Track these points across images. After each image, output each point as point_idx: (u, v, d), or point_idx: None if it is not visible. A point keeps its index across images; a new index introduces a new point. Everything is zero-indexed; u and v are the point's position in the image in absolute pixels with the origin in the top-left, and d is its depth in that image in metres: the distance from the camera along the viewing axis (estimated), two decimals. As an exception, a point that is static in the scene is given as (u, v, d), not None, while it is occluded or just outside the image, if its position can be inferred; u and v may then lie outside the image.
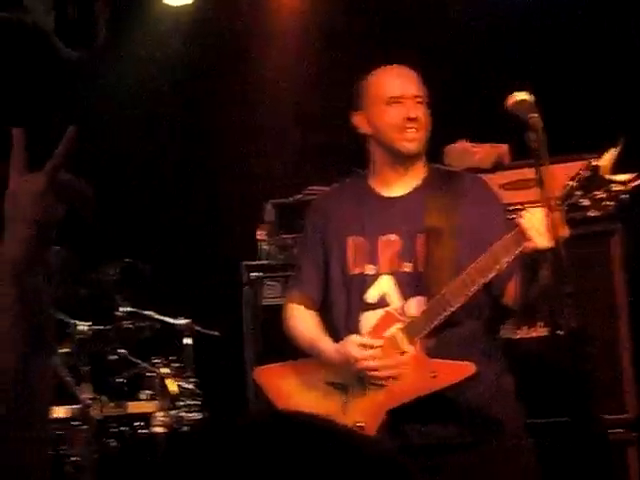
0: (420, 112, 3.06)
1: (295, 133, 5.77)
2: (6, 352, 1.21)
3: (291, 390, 3.14)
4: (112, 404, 4.22)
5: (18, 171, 1.34)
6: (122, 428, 4.25)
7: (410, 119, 3.03)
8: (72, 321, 4.20)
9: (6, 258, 1.26)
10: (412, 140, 3.03)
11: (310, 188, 4.37)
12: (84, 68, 4.93)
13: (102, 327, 4.36)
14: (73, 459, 4.00)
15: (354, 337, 2.99)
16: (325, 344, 3.08)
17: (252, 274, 4.45)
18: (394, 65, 3.18)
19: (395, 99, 3.05)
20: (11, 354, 1.21)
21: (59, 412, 4.04)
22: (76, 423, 4.05)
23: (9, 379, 1.19)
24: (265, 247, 4.56)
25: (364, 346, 2.95)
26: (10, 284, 1.24)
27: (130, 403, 4.33)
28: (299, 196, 4.48)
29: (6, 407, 1.19)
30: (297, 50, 5.75)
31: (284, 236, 4.50)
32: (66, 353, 4.17)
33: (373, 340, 2.96)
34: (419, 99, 3.08)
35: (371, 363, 2.94)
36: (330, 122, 5.10)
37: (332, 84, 5.22)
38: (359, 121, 3.14)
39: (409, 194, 3.11)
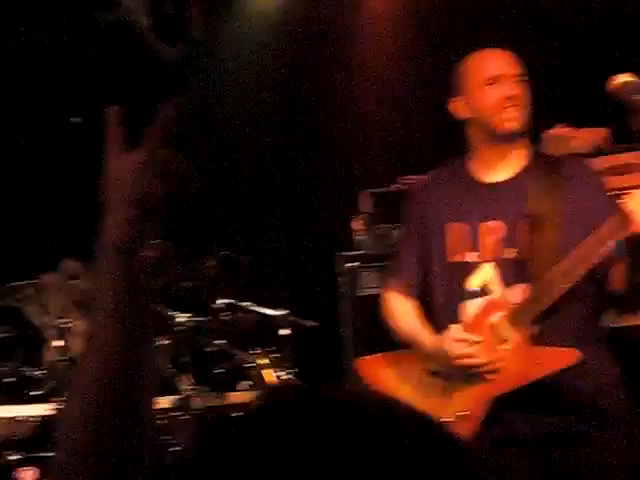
0: (520, 90, 3.01)
1: (391, 123, 5.75)
2: (111, 339, 1.20)
3: (391, 380, 3.11)
4: (212, 394, 4.28)
5: (116, 150, 1.32)
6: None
7: (510, 98, 2.98)
8: (172, 313, 4.26)
9: (112, 240, 1.24)
10: (512, 119, 2.98)
11: (406, 177, 4.36)
12: (181, 65, 5.00)
13: (201, 319, 4.41)
14: (174, 449, 4.06)
15: (453, 331, 2.94)
16: (424, 337, 3.04)
17: (348, 264, 4.45)
18: (491, 48, 3.13)
19: (494, 79, 3.00)
20: (118, 339, 1.19)
21: (161, 402, 4.11)
22: (177, 413, 4.11)
23: (118, 364, 1.18)
24: (361, 237, 4.56)
25: (463, 342, 2.91)
26: (116, 267, 1.23)
27: (229, 394, 4.39)
28: (395, 185, 4.47)
29: (115, 393, 1.19)
30: (396, 40, 5.73)
31: (380, 226, 4.50)
32: (167, 344, 4.23)
33: (472, 336, 2.91)
34: (518, 78, 3.03)
35: (471, 361, 2.90)
36: (427, 112, 5.07)
37: (429, 75, 5.19)
38: (458, 106, 3.10)
39: (512, 179, 3.05)
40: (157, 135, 1.30)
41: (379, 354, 3.24)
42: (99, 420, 1.16)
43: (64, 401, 1.24)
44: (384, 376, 3.14)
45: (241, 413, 0.85)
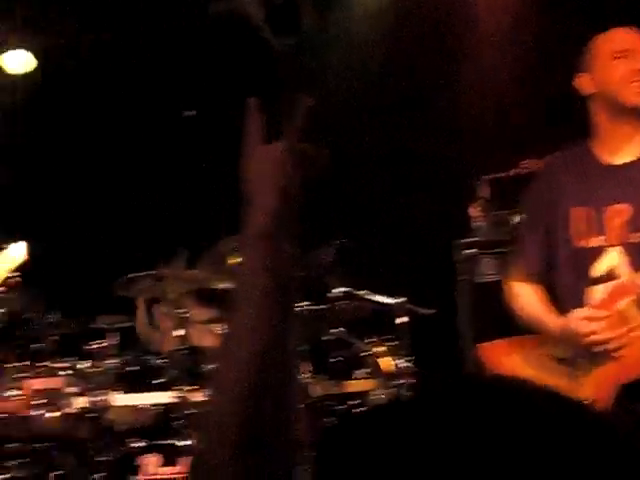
0: None
1: (509, 107, 5.66)
2: (257, 330, 1.19)
3: (516, 366, 3.06)
4: (331, 383, 4.29)
5: (257, 142, 1.34)
6: (337, 407, 4.31)
7: (637, 71, 2.90)
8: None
9: (258, 230, 1.25)
10: (639, 93, 2.91)
11: (525, 162, 4.28)
12: (294, 57, 5.03)
13: (318, 307, 4.42)
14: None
15: (579, 311, 2.89)
16: (550, 320, 2.99)
17: (466, 251, 4.41)
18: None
19: (622, 53, 2.94)
20: (264, 330, 1.19)
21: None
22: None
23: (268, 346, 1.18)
24: (479, 224, 4.50)
25: (590, 319, 2.84)
26: (261, 256, 1.24)
27: (347, 382, 4.39)
28: (514, 171, 4.39)
29: (265, 382, 1.18)
30: (509, 24, 5.66)
31: (498, 212, 4.44)
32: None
33: (599, 312, 2.85)
34: None
35: (598, 336, 2.83)
36: (546, 95, 4.99)
37: (546, 59, 5.10)
38: (583, 82, 3.03)
39: (637, 160, 2.97)
40: (297, 127, 1.31)
41: (503, 340, 3.18)
42: (249, 411, 1.16)
43: (209, 392, 1.23)
44: (508, 362, 3.08)
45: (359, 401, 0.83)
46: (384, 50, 5.82)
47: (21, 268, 3.25)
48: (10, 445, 4.92)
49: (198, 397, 4.33)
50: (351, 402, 4.35)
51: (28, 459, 4.78)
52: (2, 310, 4.67)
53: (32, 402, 4.61)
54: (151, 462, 4.11)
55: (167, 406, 4.46)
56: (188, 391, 4.33)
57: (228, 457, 1.13)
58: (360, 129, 5.80)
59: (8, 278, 3.23)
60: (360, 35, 5.85)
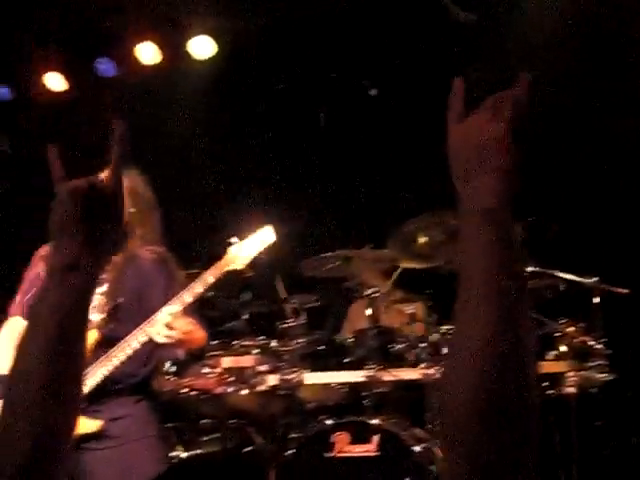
0: None
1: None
2: None
3: None
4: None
5: (455, 119, 1.31)
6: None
7: None
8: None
9: (479, 206, 1.22)
10: None
11: None
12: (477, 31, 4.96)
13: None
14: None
15: None
16: None
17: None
18: None
19: None
20: None
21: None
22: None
23: None
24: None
25: None
26: (487, 232, 1.20)
27: (540, 363, 4.30)
28: None
29: (506, 359, 1.16)
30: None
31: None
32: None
33: None
34: None
35: None
36: None
37: None
38: None
39: None
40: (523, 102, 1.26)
41: None
42: (488, 388, 1.14)
43: (442, 370, 1.22)
44: None
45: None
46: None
47: (268, 251, 3.37)
48: (204, 421, 5.08)
49: (387, 376, 4.34)
50: (543, 384, 4.27)
51: (221, 435, 4.93)
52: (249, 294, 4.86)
53: (225, 380, 4.74)
54: (343, 439, 4.14)
55: (356, 385, 4.50)
56: (378, 370, 4.34)
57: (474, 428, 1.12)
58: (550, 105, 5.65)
59: (257, 259, 3.35)
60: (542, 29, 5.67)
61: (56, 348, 1.28)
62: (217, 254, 3.45)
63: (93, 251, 1.37)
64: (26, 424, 1.24)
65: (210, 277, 3.30)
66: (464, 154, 1.27)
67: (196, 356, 3.43)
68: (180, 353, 3.43)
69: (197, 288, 3.29)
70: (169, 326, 3.12)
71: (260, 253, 3.38)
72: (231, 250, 3.39)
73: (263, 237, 3.44)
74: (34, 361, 1.28)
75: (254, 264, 3.39)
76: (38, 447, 1.24)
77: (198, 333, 3.28)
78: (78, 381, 1.32)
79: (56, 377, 1.27)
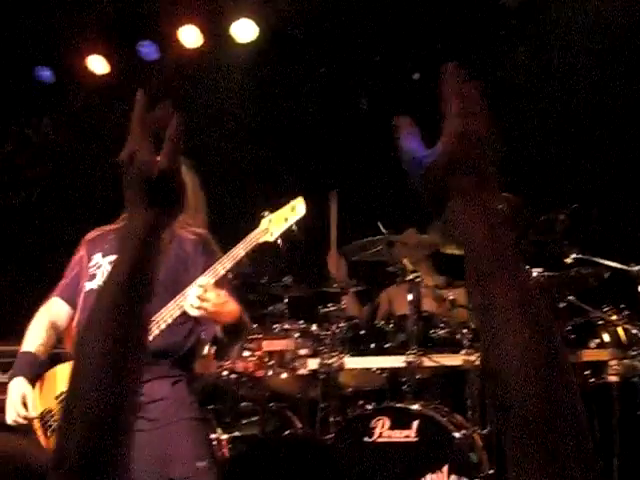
0: None
1: None
2: None
3: None
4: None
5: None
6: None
7: None
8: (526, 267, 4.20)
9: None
10: None
11: None
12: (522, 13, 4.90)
13: (552, 273, 4.30)
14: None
15: None
16: None
17: None
18: None
19: None
20: None
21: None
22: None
23: None
24: None
25: None
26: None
27: (583, 351, 4.27)
28: None
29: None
30: None
31: None
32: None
33: None
34: None
35: None
36: None
37: None
38: None
39: None
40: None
41: None
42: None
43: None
44: None
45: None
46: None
47: (299, 223, 3.34)
48: (244, 404, 5.11)
49: (428, 362, 4.32)
50: (585, 372, 4.24)
51: (261, 417, 4.95)
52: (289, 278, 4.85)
53: (266, 363, 4.76)
54: (383, 424, 4.13)
55: (397, 370, 4.49)
56: (418, 355, 4.32)
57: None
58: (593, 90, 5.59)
59: (288, 232, 3.33)
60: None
61: (126, 294, 1.29)
62: (250, 228, 3.43)
63: (162, 220, 1.37)
64: (97, 373, 1.25)
65: (241, 250, 3.27)
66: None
67: (233, 334, 3.41)
68: (217, 329, 3.40)
69: (228, 261, 3.27)
70: (201, 298, 3.10)
71: (291, 226, 3.35)
72: (262, 223, 3.37)
73: (295, 209, 3.41)
74: (110, 305, 1.29)
75: (285, 237, 3.36)
76: (109, 398, 1.24)
77: (231, 305, 3.25)
78: (145, 330, 1.32)
79: (125, 322, 1.28)
